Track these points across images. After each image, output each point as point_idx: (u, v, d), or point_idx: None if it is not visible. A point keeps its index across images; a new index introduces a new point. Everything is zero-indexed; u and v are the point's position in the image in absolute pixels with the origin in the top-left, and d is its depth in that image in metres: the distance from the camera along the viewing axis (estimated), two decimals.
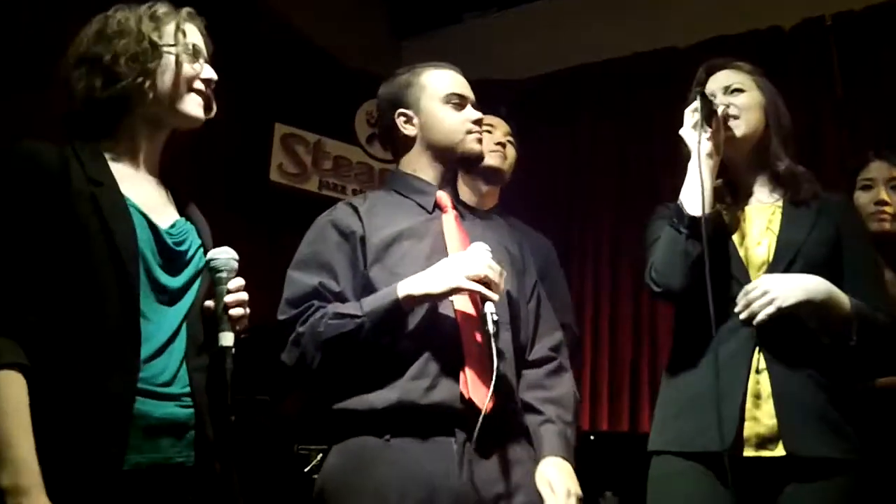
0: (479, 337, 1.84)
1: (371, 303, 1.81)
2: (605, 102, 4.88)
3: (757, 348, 1.88)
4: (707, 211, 1.87)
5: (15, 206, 1.48)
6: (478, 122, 2.04)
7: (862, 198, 2.55)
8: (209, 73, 1.73)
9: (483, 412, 1.73)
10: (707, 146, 1.93)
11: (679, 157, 2.02)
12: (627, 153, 4.78)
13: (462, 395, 1.78)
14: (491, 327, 1.78)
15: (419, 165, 2.05)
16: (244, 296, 1.63)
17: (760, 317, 1.85)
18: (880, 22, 4.13)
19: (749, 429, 1.85)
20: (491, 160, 2.61)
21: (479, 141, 2.05)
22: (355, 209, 1.98)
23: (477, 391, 1.78)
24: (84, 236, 1.49)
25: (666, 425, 1.98)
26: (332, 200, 2.47)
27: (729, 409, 1.82)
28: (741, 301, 1.89)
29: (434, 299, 1.82)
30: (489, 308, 1.79)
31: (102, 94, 1.62)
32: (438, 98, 2.03)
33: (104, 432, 1.43)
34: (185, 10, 1.75)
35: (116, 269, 1.50)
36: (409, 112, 2.04)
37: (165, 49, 1.67)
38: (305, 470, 3.33)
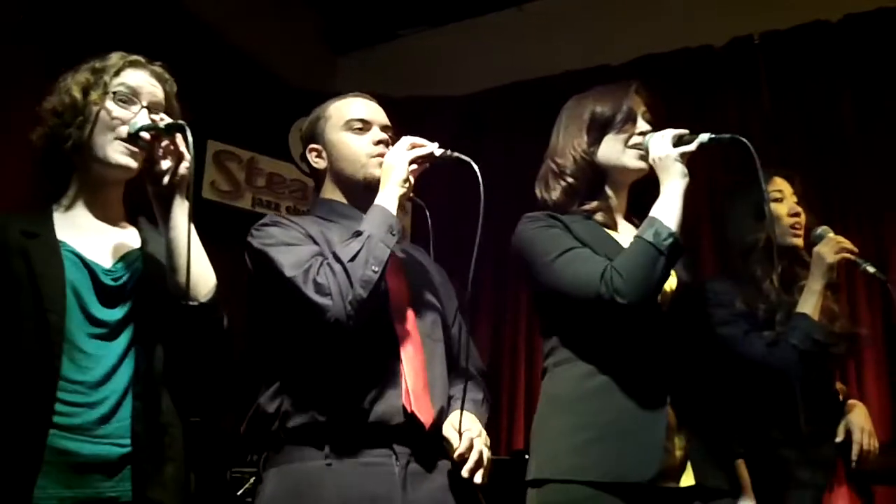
0: (417, 349, 1.85)
1: (364, 222, 1.83)
2: (541, 119, 4.89)
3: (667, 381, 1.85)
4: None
5: None
6: (382, 143, 1.98)
7: (778, 208, 2.55)
8: (143, 119, 1.67)
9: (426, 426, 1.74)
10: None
11: None
12: None
13: (404, 409, 1.77)
14: (452, 155, 1.90)
15: (335, 195, 2.03)
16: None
17: None
18: (805, 41, 4.26)
19: (664, 460, 1.79)
20: None
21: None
22: (290, 219, 1.95)
23: (420, 405, 1.79)
24: (13, 286, 1.58)
25: (577, 451, 1.81)
26: None
27: (653, 438, 1.78)
28: None
29: (408, 188, 1.88)
30: (438, 151, 1.90)
31: (40, 150, 1.70)
32: (339, 126, 2.01)
33: (13, 466, 1.49)
34: (130, 58, 1.73)
35: (38, 312, 1.56)
36: (318, 146, 2.03)
37: (92, 100, 1.65)
38: (238, 493, 3.25)
